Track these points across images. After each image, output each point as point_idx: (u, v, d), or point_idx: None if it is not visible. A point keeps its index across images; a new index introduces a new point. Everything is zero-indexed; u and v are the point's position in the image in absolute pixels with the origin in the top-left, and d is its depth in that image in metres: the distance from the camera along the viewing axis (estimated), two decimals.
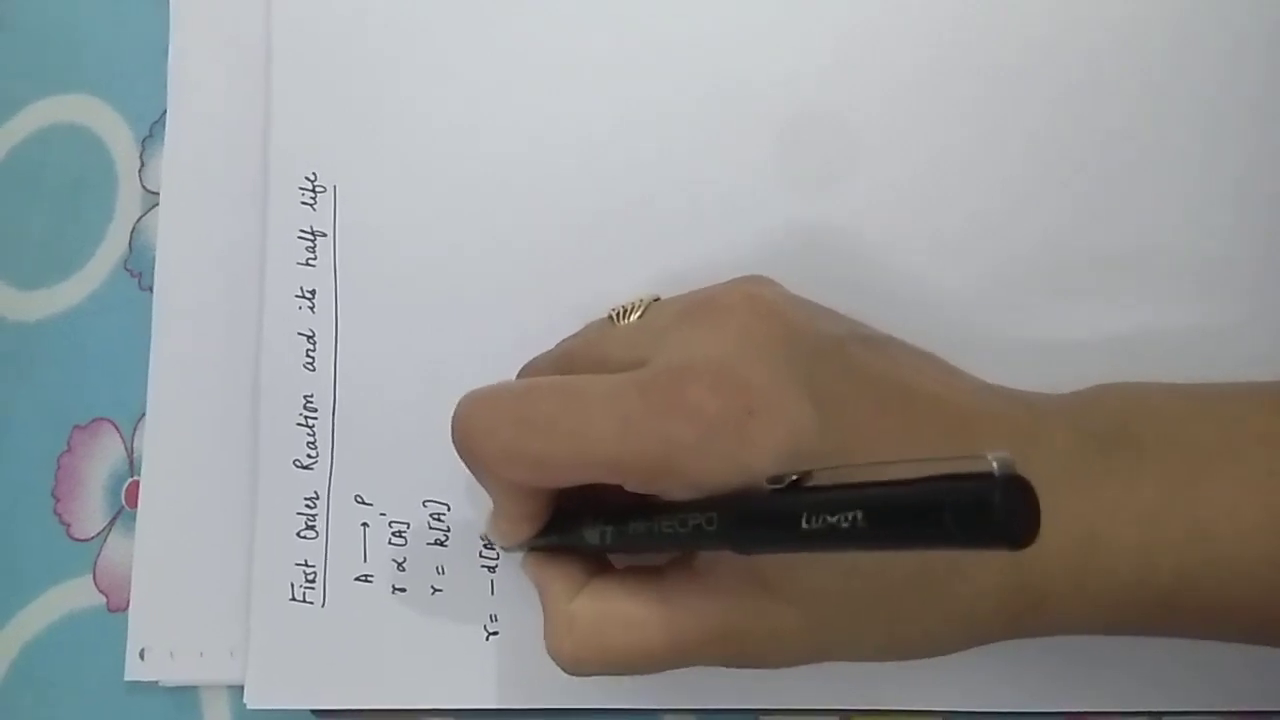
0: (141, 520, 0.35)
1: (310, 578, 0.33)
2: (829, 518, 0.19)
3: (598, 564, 0.28)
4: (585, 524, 0.27)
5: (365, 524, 0.33)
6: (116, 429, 0.36)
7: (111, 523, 0.36)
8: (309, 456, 0.33)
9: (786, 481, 0.21)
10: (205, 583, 0.34)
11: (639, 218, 0.34)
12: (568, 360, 0.29)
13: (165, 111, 0.37)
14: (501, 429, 0.25)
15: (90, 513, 0.36)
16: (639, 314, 0.28)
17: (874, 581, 0.24)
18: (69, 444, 0.36)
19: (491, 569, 0.33)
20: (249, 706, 0.32)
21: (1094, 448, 0.25)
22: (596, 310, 0.30)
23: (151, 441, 0.35)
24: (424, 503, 0.33)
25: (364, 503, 0.33)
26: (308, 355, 0.34)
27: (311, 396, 0.34)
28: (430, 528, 0.33)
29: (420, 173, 0.34)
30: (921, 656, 0.26)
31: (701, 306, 0.26)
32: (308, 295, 0.34)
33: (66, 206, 0.38)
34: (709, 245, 0.33)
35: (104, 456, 0.36)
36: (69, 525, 0.36)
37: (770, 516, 0.21)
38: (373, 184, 0.35)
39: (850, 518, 0.18)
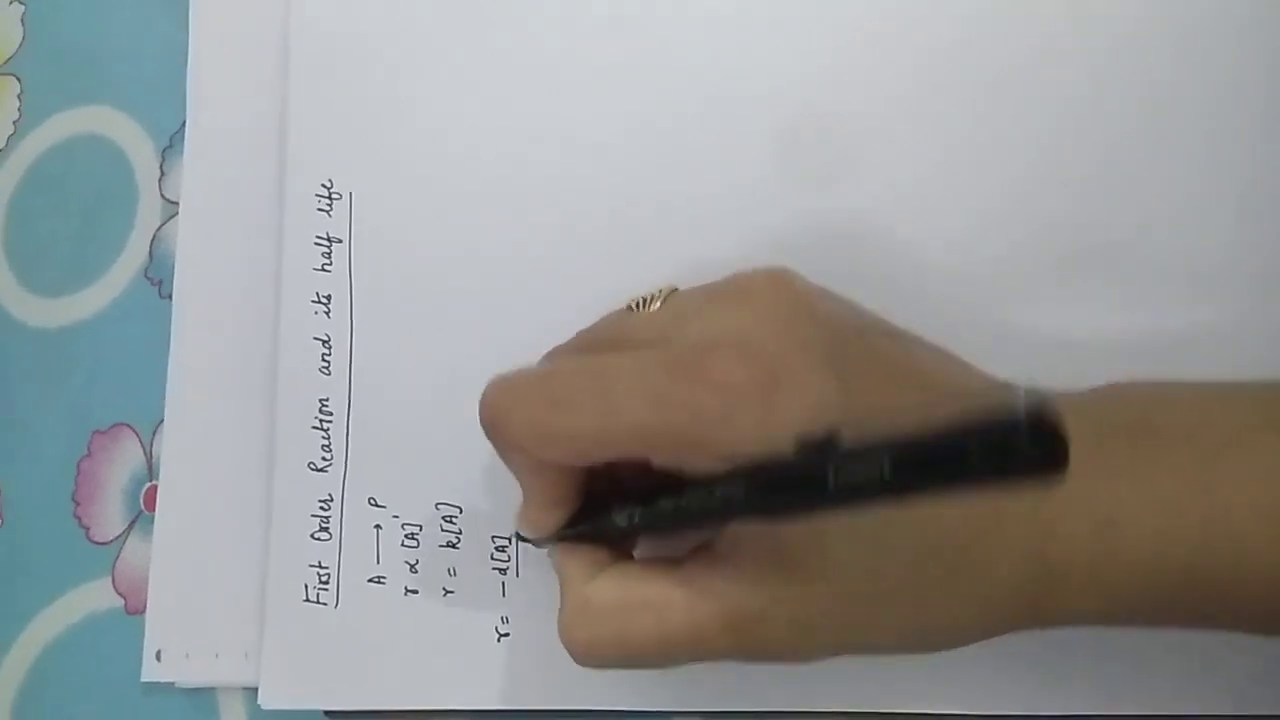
0: (159, 524, 0.35)
1: (324, 579, 0.33)
2: (856, 470, 0.19)
3: (623, 555, 0.28)
4: (613, 508, 0.27)
5: (378, 526, 0.33)
6: (136, 434, 0.37)
7: (130, 526, 0.36)
8: (324, 459, 0.34)
9: (813, 444, 0.21)
10: (221, 585, 0.34)
11: (650, 219, 0.34)
12: (590, 346, 0.29)
13: (185, 122, 0.38)
14: (530, 408, 0.25)
15: (109, 516, 0.36)
16: (659, 303, 0.29)
17: (898, 559, 0.24)
18: (89, 448, 0.37)
19: (502, 571, 0.33)
20: (263, 707, 0.33)
21: (1111, 437, 0.25)
22: (607, 312, 0.31)
23: (170, 446, 0.36)
24: (436, 505, 0.33)
25: (377, 505, 0.33)
26: (323, 360, 0.34)
27: (327, 400, 0.34)
28: (442, 530, 0.33)
29: (434, 179, 0.35)
30: (942, 647, 0.26)
31: (725, 288, 0.26)
32: (323, 300, 0.35)
33: (88, 216, 0.39)
34: (719, 245, 0.33)
35: (123, 461, 0.37)
36: (89, 528, 0.36)
37: (798, 477, 0.21)
38: (387, 191, 0.35)
39: (878, 468, 0.18)
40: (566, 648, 0.26)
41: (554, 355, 0.30)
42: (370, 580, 0.33)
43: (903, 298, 0.32)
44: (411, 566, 0.33)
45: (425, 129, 0.35)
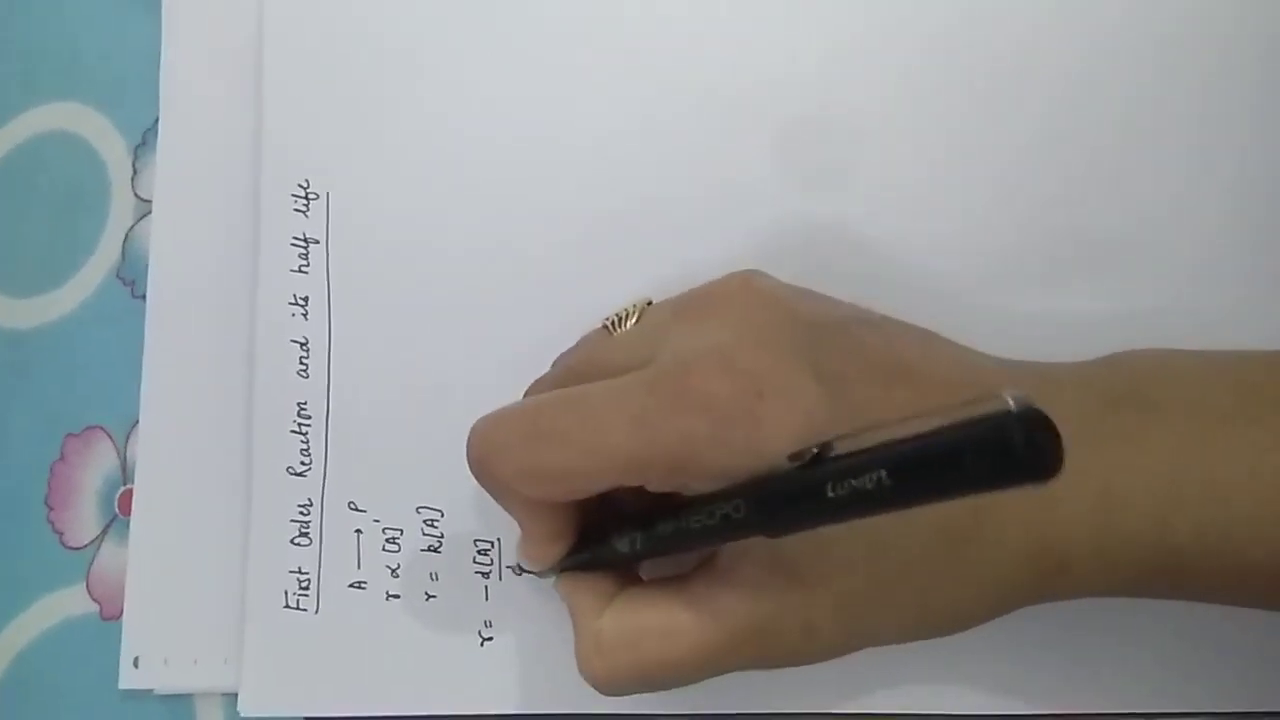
0: (135, 528, 0.35)
1: (304, 585, 0.33)
2: (853, 481, 0.19)
3: (628, 580, 0.28)
4: (614, 536, 0.26)
5: (359, 531, 0.33)
6: (110, 437, 0.36)
7: (105, 530, 0.36)
8: (302, 463, 0.33)
9: (808, 456, 0.21)
10: (199, 590, 0.34)
11: (635, 221, 0.34)
12: (571, 376, 0.29)
13: (157, 119, 0.37)
14: (516, 447, 0.25)
15: (84, 521, 0.36)
16: (634, 319, 0.28)
17: (899, 553, 0.24)
18: (62, 452, 0.36)
19: (485, 574, 0.33)
20: (243, 714, 0.32)
21: (1106, 407, 0.25)
22: (593, 315, 0.30)
23: (145, 449, 0.35)
24: (417, 509, 0.33)
25: (357, 509, 0.33)
26: (301, 362, 0.34)
27: (305, 403, 0.34)
28: (424, 534, 0.33)
29: (413, 179, 0.35)
30: (949, 631, 0.26)
31: (699, 301, 0.26)
32: (301, 302, 0.34)
33: (59, 215, 0.38)
34: (708, 248, 0.32)
35: (97, 464, 0.36)
36: (62, 533, 0.36)
37: (795, 492, 0.21)
38: (365, 191, 0.35)
39: (874, 478, 0.18)
40: (588, 681, 0.26)
41: (536, 387, 0.30)
42: (351, 585, 0.33)
43: (899, 297, 0.32)
44: (393, 571, 0.33)
45: (403, 128, 0.35)
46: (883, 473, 0.18)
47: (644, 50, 0.34)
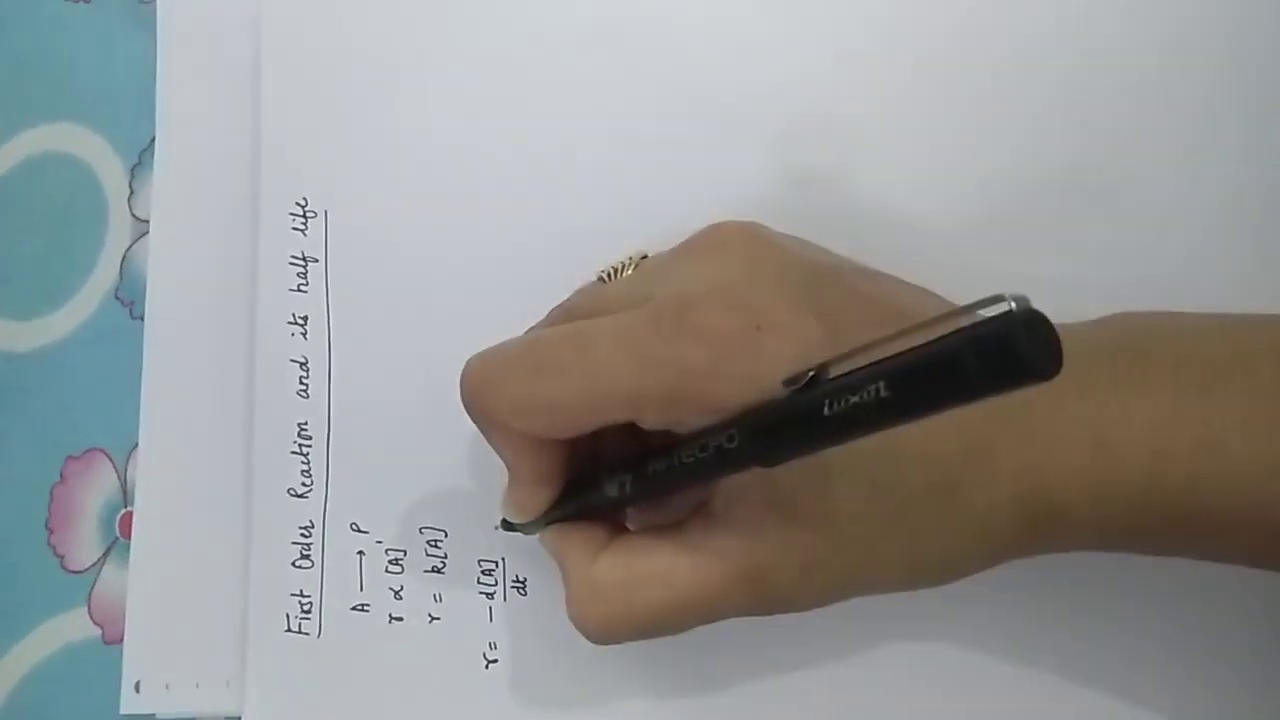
0: (136, 551, 0.34)
1: (306, 608, 0.32)
2: (851, 397, 0.18)
3: (618, 529, 0.27)
4: (603, 481, 0.26)
5: (361, 552, 0.33)
6: (110, 459, 0.36)
7: (106, 554, 0.35)
8: (304, 485, 0.33)
9: (804, 380, 0.20)
10: (200, 614, 0.34)
11: (634, 233, 0.33)
12: (566, 319, 0.28)
13: (154, 139, 0.37)
14: (512, 379, 0.25)
15: (84, 544, 0.35)
16: (632, 269, 0.28)
17: (894, 495, 0.24)
18: (62, 475, 0.36)
19: (490, 595, 0.32)
20: None
21: (1099, 359, 0.25)
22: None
23: (145, 471, 0.35)
24: (420, 530, 0.33)
25: (360, 531, 0.33)
26: (301, 382, 0.34)
27: (305, 424, 0.33)
28: (427, 555, 0.33)
29: (411, 196, 0.34)
30: (942, 579, 0.26)
31: (698, 243, 0.26)
32: (300, 321, 0.34)
33: (56, 236, 0.38)
34: None
35: (98, 487, 0.36)
36: (63, 557, 0.35)
37: (792, 415, 0.20)
38: (364, 208, 0.34)
39: (873, 391, 0.18)
40: (580, 629, 0.25)
41: (532, 331, 0.30)
42: (354, 608, 0.32)
43: None
44: (396, 593, 0.32)
45: (401, 145, 0.34)
46: (881, 384, 0.18)
47: (641, 62, 0.34)
